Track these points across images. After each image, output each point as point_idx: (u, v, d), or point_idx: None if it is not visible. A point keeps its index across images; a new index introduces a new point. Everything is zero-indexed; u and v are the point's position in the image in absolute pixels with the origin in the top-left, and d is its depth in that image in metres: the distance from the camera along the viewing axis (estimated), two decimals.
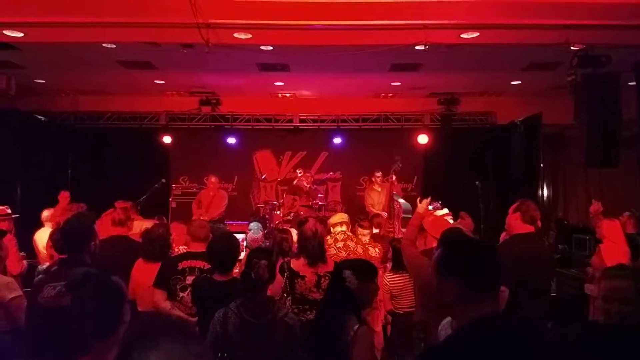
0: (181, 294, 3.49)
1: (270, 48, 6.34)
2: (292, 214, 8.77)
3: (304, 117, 10.29)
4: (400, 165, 8.27)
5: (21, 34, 5.24)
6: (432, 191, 8.04)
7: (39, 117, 9.42)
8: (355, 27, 5.28)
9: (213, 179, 8.59)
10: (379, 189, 8.80)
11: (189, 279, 3.49)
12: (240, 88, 9.25)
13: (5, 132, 8.07)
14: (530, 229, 3.63)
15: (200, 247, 3.60)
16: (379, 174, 8.84)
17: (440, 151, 9.89)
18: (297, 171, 9.54)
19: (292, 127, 10.35)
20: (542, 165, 8.74)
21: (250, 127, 10.29)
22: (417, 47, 5.69)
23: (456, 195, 7.48)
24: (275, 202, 9.38)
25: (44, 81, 8.63)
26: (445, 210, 4.94)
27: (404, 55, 6.50)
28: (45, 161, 8.99)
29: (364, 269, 2.61)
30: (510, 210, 3.73)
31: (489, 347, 1.48)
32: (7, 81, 6.73)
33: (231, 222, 8.16)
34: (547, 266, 3.82)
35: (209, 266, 3.42)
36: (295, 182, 9.33)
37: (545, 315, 3.60)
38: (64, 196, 7.05)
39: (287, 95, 9.94)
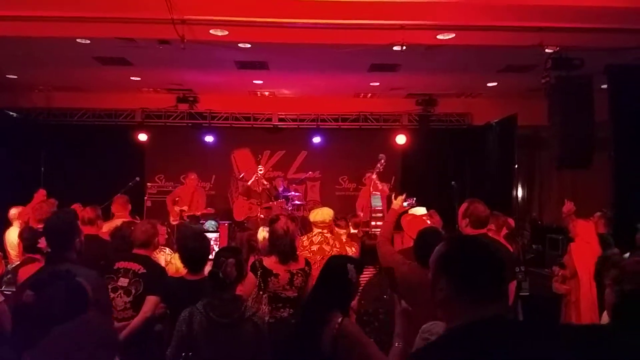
0: (112, 295, 3.28)
1: (248, 46, 6.30)
2: (249, 219, 8.70)
3: (283, 117, 10.25)
4: (384, 164, 8.28)
5: None
6: (410, 191, 8.08)
7: (11, 113, 9.19)
8: (333, 25, 5.28)
9: (192, 176, 8.55)
10: (371, 189, 8.77)
11: (122, 281, 3.34)
12: (219, 86, 9.17)
13: None
14: (480, 231, 3.51)
15: (141, 251, 3.52)
16: (368, 174, 8.82)
17: (418, 151, 9.98)
18: (259, 169, 9.13)
19: (271, 125, 10.31)
20: (516, 166, 8.87)
21: (228, 125, 10.21)
22: (395, 48, 5.73)
23: (433, 195, 7.55)
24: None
25: (16, 77, 8.42)
26: (424, 210, 4.97)
27: (382, 55, 6.53)
28: (17, 158, 8.76)
29: (359, 263, 2.66)
30: (460, 213, 3.61)
31: (481, 349, 1.36)
32: None
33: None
34: None
35: (144, 270, 3.34)
36: (249, 182, 9.00)
37: None
38: (40, 194, 6.89)
39: (266, 93, 9.90)
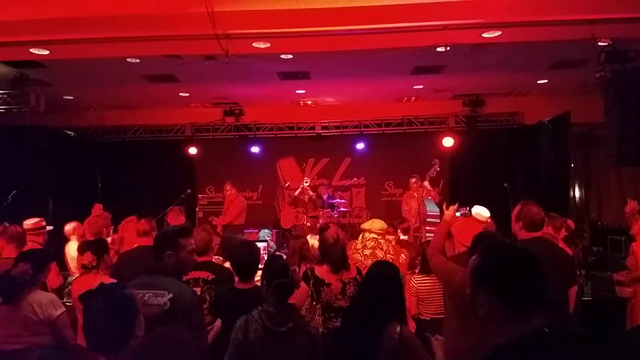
0: None
1: (290, 56, 6.37)
2: (296, 227, 8.75)
3: (326, 124, 10.29)
4: (438, 169, 8.12)
5: (47, 52, 5.40)
6: (460, 195, 7.92)
7: (68, 132, 9.69)
8: (374, 30, 5.24)
9: (227, 186, 8.61)
10: (416, 195, 8.65)
11: (196, 290, 3.43)
12: (262, 97, 9.32)
13: (36, 148, 8.31)
14: (535, 234, 3.36)
15: (203, 258, 3.56)
16: (414, 179, 8.70)
17: (467, 154, 9.73)
18: (304, 181, 9.29)
19: (315, 134, 10.36)
20: (572, 165, 8.49)
21: (273, 135, 10.36)
22: (439, 49, 5.62)
23: (484, 198, 7.29)
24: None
25: (72, 97, 8.87)
26: (487, 212, 4.71)
27: (425, 57, 6.43)
28: (75, 175, 9.23)
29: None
30: (513, 216, 3.47)
31: None
32: (37, 98, 6.92)
33: (253, 230, 8.17)
34: (561, 273, 3.38)
35: (213, 276, 3.40)
36: (296, 193, 9.17)
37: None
38: (97, 208, 7.22)
39: (309, 102, 9.97)
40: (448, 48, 5.51)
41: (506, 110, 9.91)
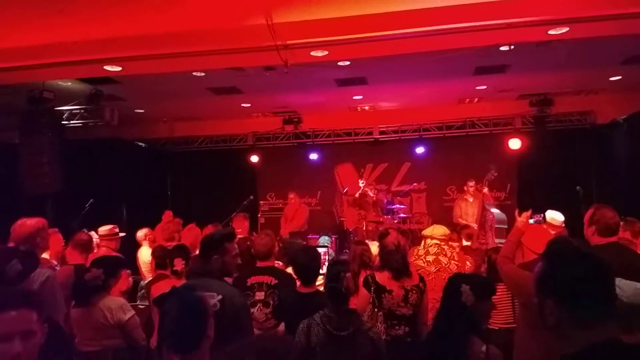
0: (252, 310, 3.46)
1: (347, 63, 6.39)
2: (357, 230, 8.73)
3: (384, 129, 10.23)
4: (496, 174, 7.88)
5: (119, 68, 5.74)
6: (528, 199, 7.59)
7: (140, 144, 10.26)
8: (433, 32, 5.13)
9: (292, 195, 9.12)
10: (471, 199, 8.42)
11: (258, 295, 3.51)
12: (320, 104, 9.41)
13: (111, 159, 8.88)
14: (610, 240, 3.14)
15: (265, 263, 3.65)
16: (471, 183, 8.47)
17: (535, 156, 9.30)
18: (360, 182, 9.44)
19: (372, 139, 10.31)
20: None
21: (330, 142, 10.44)
22: (502, 48, 5.44)
23: (555, 202, 6.96)
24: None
25: (143, 111, 9.38)
26: (561, 218, 4.40)
27: (488, 57, 6.25)
28: (146, 184, 9.75)
29: (483, 285, 2.42)
30: (585, 220, 3.26)
31: None
32: (111, 113, 7.42)
33: (315, 236, 8.28)
34: (636, 280, 3.24)
35: (276, 281, 3.46)
36: (357, 194, 9.21)
37: None
38: (167, 215, 7.60)
39: (366, 108, 9.94)
40: (512, 47, 5.32)
41: (577, 109, 9.40)
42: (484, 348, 2.20)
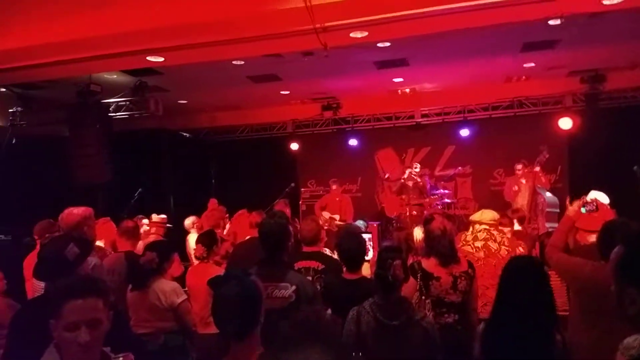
0: None
1: (388, 44, 6.23)
2: (400, 216, 8.58)
3: (426, 112, 9.96)
4: (547, 156, 7.55)
5: (162, 59, 5.82)
6: (581, 181, 7.25)
7: (184, 134, 10.48)
8: (478, 7, 4.89)
9: (334, 186, 8.97)
10: (524, 181, 8.14)
11: None
12: (359, 89, 9.27)
13: (157, 149, 9.11)
14: None
15: (312, 248, 3.65)
16: (519, 166, 8.19)
17: (588, 135, 8.83)
18: (414, 166, 9.25)
19: (414, 123, 10.08)
20: None
21: (370, 127, 10.27)
22: (551, 22, 5.14)
23: (609, 184, 6.61)
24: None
25: (186, 101, 9.53)
26: (606, 198, 4.18)
27: (536, 32, 5.95)
28: (191, 173, 9.97)
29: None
30: None
31: None
32: (155, 104, 7.56)
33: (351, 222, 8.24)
34: None
35: (323, 266, 3.45)
36: (404, 176, 8.97)
37: None
38: (212, 203, 7.76)
39: (407, 90, 9.69)
40: (562, 20, 5.02)
41: (631, 85, 8.83)
42: (558, 337, 2.16)
